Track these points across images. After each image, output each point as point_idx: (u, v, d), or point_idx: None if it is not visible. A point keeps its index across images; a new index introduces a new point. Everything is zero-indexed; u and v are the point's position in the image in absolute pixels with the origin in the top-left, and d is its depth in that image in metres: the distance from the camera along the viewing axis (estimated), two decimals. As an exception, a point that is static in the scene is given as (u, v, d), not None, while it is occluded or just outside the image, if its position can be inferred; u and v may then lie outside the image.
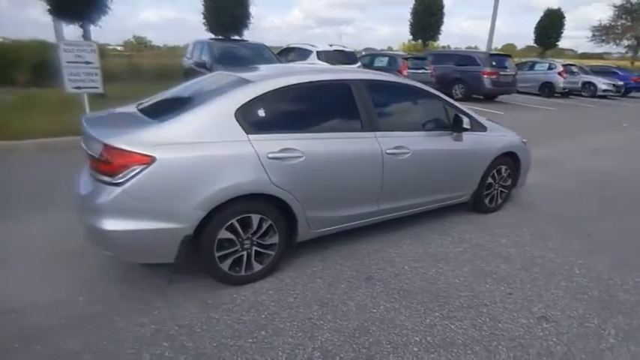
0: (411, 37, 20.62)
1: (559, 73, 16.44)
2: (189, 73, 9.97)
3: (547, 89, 16.45)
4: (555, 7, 24.75)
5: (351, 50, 11.42)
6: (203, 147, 2.28)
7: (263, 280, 2.64)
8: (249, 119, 2.45)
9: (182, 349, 2.01)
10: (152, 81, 11.90)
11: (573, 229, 3.71)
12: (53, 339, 2.03)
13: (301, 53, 10.41)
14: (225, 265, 2.46)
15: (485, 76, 12.91)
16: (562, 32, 23.55)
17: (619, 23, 28.42)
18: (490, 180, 3.85)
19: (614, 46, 30.47)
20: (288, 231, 2.66)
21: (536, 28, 24.06)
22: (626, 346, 2.19)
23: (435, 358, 2.04)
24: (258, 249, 2.55)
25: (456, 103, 3.62)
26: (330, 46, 10.49)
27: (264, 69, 3.43)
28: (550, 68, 16.81)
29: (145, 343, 2.04)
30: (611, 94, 17.94)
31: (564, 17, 23.24)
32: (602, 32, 29.38)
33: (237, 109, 2.42)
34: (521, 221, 3.84)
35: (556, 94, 16.34)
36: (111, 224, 2.13)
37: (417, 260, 3.02)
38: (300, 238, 2.76)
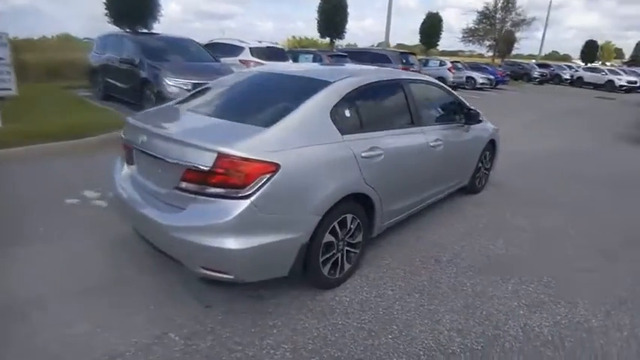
0: (319, 34, 21.32)
1: (449, 69, 18.92)
2: (102, 71, 8.78)
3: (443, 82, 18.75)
4: (434, 11, 28.13)
5: (281, 47, 11.36)
6: (314, 150, 2.18)
7: (350, 279, 2.63)
8: (339, 120, 2.42)
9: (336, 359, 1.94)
10: (42, 80, 10.13)
11: (533, 196, 4.51)
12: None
13: (230, 50, 9.94)
14: (325, 270, 2.39)
15: (399, 72, 14.15)
16: (441, 33, 27.00)
17: (480, 27, 34.03)
18: (480, 164, 4.40)
19: (479, 46, 36.42)
20: (367, 228, 2.69)
21: (420, 29, 27.09)
22: None
23: (539, 316, 2.36)
24: (348, 249, 2.54)
25: (462, 98, 4.04)
26: (260, 42, 10.28)
27: (310, 67, 3.37)
28: (441, 65, 19.22)
29: (295, 363, 1.90)
30: (487, 86, 21.30)
31: (442, 20, 26.68)
32: (469, 34, 34.83)
33: (331, 111, 2.37)
34: (500, 197, 4.51)
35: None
36: (236, 243, 1.91)
37: (459, 239, 3.34)
38: (374, 234, 2.82)
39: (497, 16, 33.14)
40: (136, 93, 7.67)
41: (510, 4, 32.36)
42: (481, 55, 41.33)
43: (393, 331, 2.17)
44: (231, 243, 1.90)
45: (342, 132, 2.38)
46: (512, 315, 2.36)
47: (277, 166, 1.95)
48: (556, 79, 31.68)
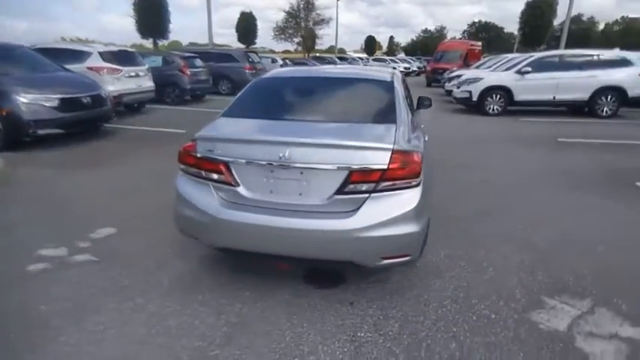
0: (139, 35, 19.00)
1: (281, 66, 20.21)
2: None
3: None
4: (247, 10, 29.02)
5: (133, 50, 9.92)
6: (418, 136, 2.56)
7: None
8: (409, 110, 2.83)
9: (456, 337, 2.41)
10: None
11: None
12: None
13: (71, 56, 8.15)
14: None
15: (247, 70, 14.39)
16: (257, 32, 28.17)
17: (291, 25, 37.11)
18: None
19: (290, 43, 39.70)
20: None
21: (236, 27, 27.54)
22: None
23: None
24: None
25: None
26: (106, 45, 8.80)
27: (340, 70, 3.52)
28: (273, 62, 20.31)
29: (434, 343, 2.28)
30: (405, 73, 23.89)
31: (256, 19, 27.83)
32: (280, 32, 37.47)
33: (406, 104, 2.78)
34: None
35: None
36: (417, 225, 2.13)
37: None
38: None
39: (301, 15, 36.84)
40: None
41: (310, 5, 36.50)
42: (288, 51, 45.26)
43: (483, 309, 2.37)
44: (414, 227, 2.13)
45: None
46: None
47: (423, 156, 2.27)
48: (353, 69, 37.87)
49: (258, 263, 2.73)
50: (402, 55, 53.49)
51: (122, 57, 8.65)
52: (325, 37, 39.68)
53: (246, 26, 27.31)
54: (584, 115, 9.85)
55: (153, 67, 11.27)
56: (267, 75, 3.28)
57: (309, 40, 37.77)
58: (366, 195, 2.10)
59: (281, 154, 2.10)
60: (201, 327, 2.17)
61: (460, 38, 74.38)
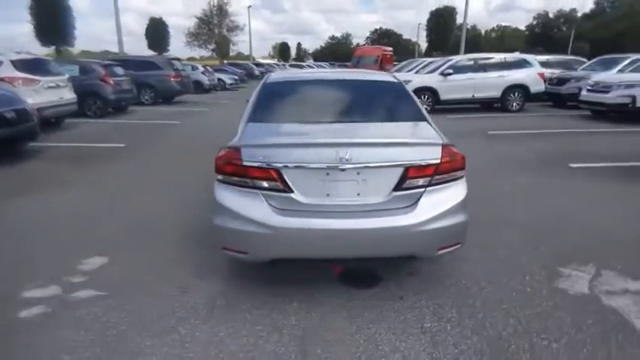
0: (39, 42, 16.45)
1: (202, 73, 19.39)
2: None
3: (199, 87, 18.99)
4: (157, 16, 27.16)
5: (50, 58, 8.60)
6: None
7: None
8: None
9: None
10: None
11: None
12: None
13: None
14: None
15: (173, 79, 13.52)
16: (169, 38, 26.59)
17: (204, 31, 35.51)
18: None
19: (204, 49, 38.00)
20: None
21: (146, 34, 25.67)
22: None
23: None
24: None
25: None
26: (18, 53, 7.52)
27: (346, 74, 3.51)
28: (193, 69, 19.37)
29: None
30: (235, 85, 23.17)
31: (167, 25, 26.23)
32: (193, 38, 35.66)
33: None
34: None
35: (207, 90, 19.27)
36: (465, 214, 2.28)
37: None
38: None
39: (215, 21, 35.62)
40: None
41: (224, 11, 35.48)
42: (203, 57, 43.42)
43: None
44: (464, 216, 2.26)
45: None
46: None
47: None
48: (271, 75, 37.93)
49: (286, 273, 2.64)
50: (310, 61, 55.02)
51: (38, 66, 7.50)
52: (239, 44, 39.44)
53: (156, 32, 25.54)
54: (497, 111, 11.24)
55: (73, 77, 10.03)
56: (274, 79, 3.16)
57: (223, 47, 36.78)
58: (422, 189, 2.17)
59: (342, 156, 2.07)
60: (268, 346, 2.03)
61: (365, 44, 79.17)
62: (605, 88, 8.89)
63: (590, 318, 2.22)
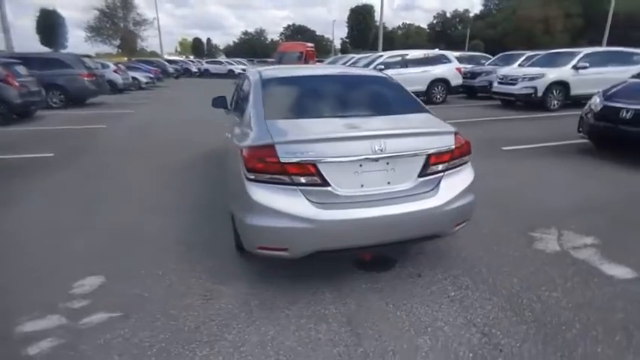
0: None
1: (115, 72, 17.67)
2: None
3: (112, 87, 17.33)
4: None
5: None
6: None
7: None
8: None
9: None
10: None
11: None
12: None
13: None
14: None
15: (86, 78, 12.16)
16: (67, 33, 23.65)
17: (103, 25, 31.84)
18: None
19: (108, 45, 34.18)
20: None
21: (37, 29, 22.53)
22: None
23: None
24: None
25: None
26: None
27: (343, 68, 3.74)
28: (104, 67, 17.55)
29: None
30: (151, 84, 21.55)
31: (63, 18, 23.27)
32: (95, 33, 31.80)
33: None
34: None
35: (121, 91, 17.64)
36: (473, 193, 2.58)
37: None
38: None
39: (119, 14, 32.33)
40: None
41: (129, 4, 32.33)
42: (99, 54, 39.19)
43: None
44: (472, 196, 2.55)
45: None
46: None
47: None
48: (187, 72, 36.01)
49: (303, 269, 2.67)
50: (223, 57, 53.33)
51: None
52: (148, 40, 36.42)
53: (50, 26, 22.40)
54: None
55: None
56: (271, 76, 3.14)
57: (130, 42, 33.71)
58: (441, 174, 2.41)
59: (375, 147, 2.20)
60: (321, 335, 2.10)
61: (279, 40, 79.29)
62: (513, 80, 10.32)
63: (570, 269, 2.70)
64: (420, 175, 2.36)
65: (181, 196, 4.22)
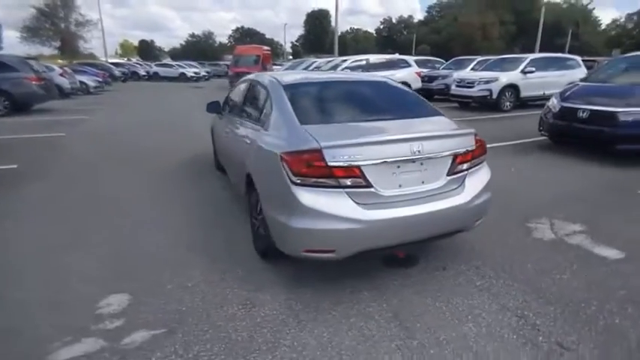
0: None
1: (61, 75, 16.45)
2: None
3: (60, 90, 16.08)
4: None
5: None
6: None
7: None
8: None
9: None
10: None
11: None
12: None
13: None
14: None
15: (34, 82, 11.19)
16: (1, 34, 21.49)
17: (46, 26, 29.15)
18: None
19: (48, 47, 31.26)
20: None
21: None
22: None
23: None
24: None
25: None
26: None
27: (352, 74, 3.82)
28: (49, 70, 16.26)
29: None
30: (99, 89, 20.23)
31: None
32: (31, 33, 28.95)
33: None
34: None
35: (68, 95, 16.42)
36: (490, 192, 2.79)
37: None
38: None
39: (60, 15, 29.80)
40: None
41: (70, 3, 29.91)
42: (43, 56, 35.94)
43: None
44: (490, 192, 2.75)
45: None
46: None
47: None
48: (135, 76, 34.19)
49: (330, 272, 2.74)
50: (169, 60, 51.17)
51: None
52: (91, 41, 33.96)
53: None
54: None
55: None
56: (292, 81, 3.18)
57: (71, 44, 31.27)
58: (465, 173, 2.61)
59: (414, 149, 2.34)
60: (375, 332, 2.19)
61: (228, 43, 77.88)
62: (470, 83, 11.08)
63: (569, 253, 3.03)
64: (449, 174, 2.54)
65: (173, 206, 4.10)
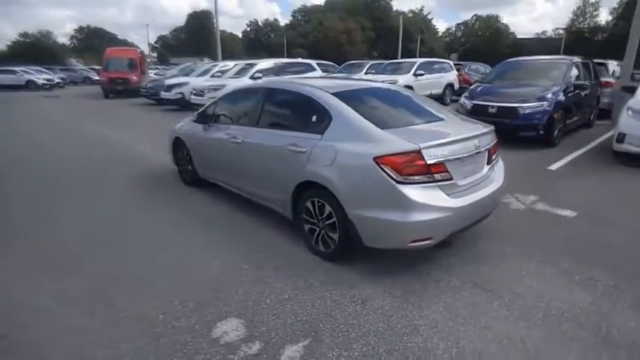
0: None
1: None
2: None
3: None
4: None
5: None
6: None
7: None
8: None
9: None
10: None
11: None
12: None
13: None
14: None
15: None
16: None
17: None
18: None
19: None
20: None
21: None
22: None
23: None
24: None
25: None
26: None
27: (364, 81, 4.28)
28: None
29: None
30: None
31: None
32: None
33: None
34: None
35: None
36: (505, 180, 3.51)
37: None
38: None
39: None
40: None
41: None
42: None
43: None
44: (505, 181, 3.43)
45: None
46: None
47: None
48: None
49: (376, 254, 3.06)
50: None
51: None
52: None
53: None
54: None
55: None
56: (339, 89, 3.38)
57: None
58: (494, 162, 3.30)
59: (477, 145, 2.92)
60: (471, 300, 2.67)
61: (72, 44, 68.01)
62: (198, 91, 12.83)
63: (544, 217, 4.05)
64: (487, 164, 3.19)
65: (158, 219, 3.87)
